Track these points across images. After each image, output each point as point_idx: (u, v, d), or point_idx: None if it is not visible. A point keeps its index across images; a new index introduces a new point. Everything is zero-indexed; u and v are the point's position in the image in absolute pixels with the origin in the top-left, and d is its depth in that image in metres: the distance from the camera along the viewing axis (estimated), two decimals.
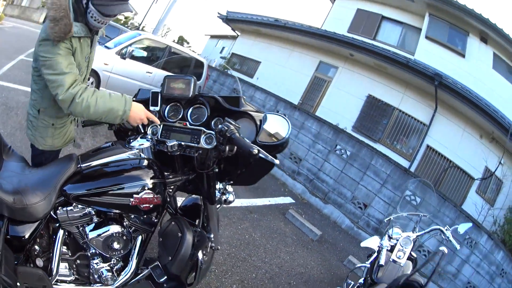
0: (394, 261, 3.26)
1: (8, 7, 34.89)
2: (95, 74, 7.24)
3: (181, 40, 32.92)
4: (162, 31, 25.24)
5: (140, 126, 2.13)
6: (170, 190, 2.15)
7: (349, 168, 7.82)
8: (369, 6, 12.72)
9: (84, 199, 1.85)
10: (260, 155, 1.64)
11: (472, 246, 7.56)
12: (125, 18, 30.23)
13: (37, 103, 2.11)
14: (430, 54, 10.81)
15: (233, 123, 1.79)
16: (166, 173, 2.08)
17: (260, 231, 5.06)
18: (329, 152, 8.12)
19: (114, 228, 1.97)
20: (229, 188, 2.41)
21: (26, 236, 1.76)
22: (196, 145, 2.02)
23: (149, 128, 2.15)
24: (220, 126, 1.76)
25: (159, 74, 8.33)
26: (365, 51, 10.42)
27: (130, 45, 7.83)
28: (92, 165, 1.92)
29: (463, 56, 10.97)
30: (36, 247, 1.88)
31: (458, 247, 3.46)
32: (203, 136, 2.03)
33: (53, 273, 1.88)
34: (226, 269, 3.67)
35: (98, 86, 7.33)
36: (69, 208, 1.88)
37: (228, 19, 16.15)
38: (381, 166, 7.55)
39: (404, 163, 9.52)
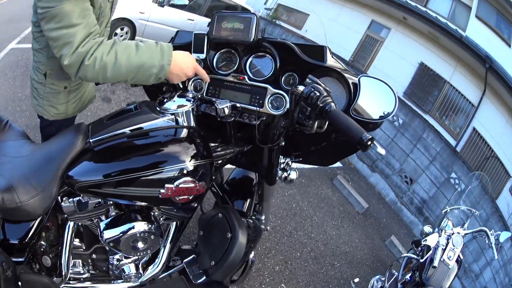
0: (443, 260, 2.92)
1: None
2: (130, 23, 6.81)
3: None
4: None
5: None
6: (217, 165, 1.65)
7: (399, 138, 7.47)
8: None
9: (93, 190, 1.37)
10: (374, 145, 1.07)
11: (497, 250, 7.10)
12: None
13: (41, 65, 1.61)
14: (479, 35, 10.01)
15: (323, 85, 1.21)
16: (212, 144, 1.58)
17: (308, 200, 4.74)
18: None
19: (139, 226, 1.48)
20: (292, 163, 1.90)
21: (27, 237, 1.40)
22: (258, 108, 1.48)
23: (190, 83, 1.61)
24: (306, 88, 1.18)
25: (202, 21, 7.62)
26: (418, 16, 9.87)
27: None
28: (105, 139, 1.39)
29: (509, 45, 10.09)
30: (42, 242, 1.50)
31: (496, 256, 3.24)
32: (268, 97, 1.47)
33: (63, 272, 1.51)
34: (270, 247, 3.34)
35: (133, 36, 6.92)
36: (76, 198, 1.43)
37: None
38: (432, 141, 7.25)
39: (451, 141, 8.96)
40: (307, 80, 1.23)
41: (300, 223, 4.09)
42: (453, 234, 3.06)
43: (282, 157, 1.78)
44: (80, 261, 1.60)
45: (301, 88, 1.20)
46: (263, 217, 2.13)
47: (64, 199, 1.42)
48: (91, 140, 1.38)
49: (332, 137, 1.46)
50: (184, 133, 1.43)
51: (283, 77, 1.51)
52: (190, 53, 1.50)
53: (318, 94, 1.14)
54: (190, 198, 1.44)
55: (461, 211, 4.15)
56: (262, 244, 3.29)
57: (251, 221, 1.70)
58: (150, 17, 7.00)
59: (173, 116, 1.43)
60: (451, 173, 6.86)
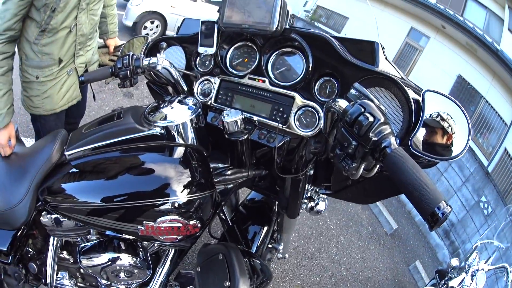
0: None
1: None
2: (161, 17, 6.70)
3: None
4: None
5: (176, 75, 1.30)
6: (227, 189, 1.33)
7: None
8: None
9: (63, 213, 1.16)
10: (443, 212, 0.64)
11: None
12: None
13: (18, 49, 1.60)
14: None
15: (377, 101, 0.80)
16: (221, 166, 1.27)
17: (336, 217, 4.47)
18: None
19: (121, 258, 1.26)
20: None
21: (11, 243, 1.26)
22: (280, 125, 1.13)
23: (197, 84, 1.33)
24: (352, 106, 0.78)
25: None
26: (457, 25, 9.63)
27: None
28: (81, 153, 1.15)
29: None
30: (29, 249, 1.36)
31: None
32: (296, 110, 1.12)
33: (48, 281, 1.37)
34: (287, 270, 3.05)
35: (164, 30, 6.86)
36: (54, 215, 1.21)
37: None
38: (467, 160, 6.96)
39: (484, 160, 8.57)
40: (352, 91, 0.84)
41: (324, 243, 3.81)
42: (478, 270, 3.11)
43: (309, 185, 1.42)
44: (67, 273, 1.45)
45: (343, 103, 0.82)
46: (280, 247, 1.83)
47: (43, 213, 1.24)
48: (66, 153, 1.17)
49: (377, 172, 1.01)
50: (178, 152, 1.13)
51: (317, 84, 1.15)
52: (197, 45, 1.25)
53: (371, 120, 0.73)
54: (179, 238, 1.14)
55: (488, 244, 4.18)
56: (280, 266, 3.01)
57: (259, 263, 1.36)
58: (182, 12, 6.88)
59: (164, 130, 1.13)
60: (482, 196, 6.56)
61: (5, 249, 1.25)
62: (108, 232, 1.22)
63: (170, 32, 6.79)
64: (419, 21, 11.31)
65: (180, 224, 1.09)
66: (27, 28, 1.54)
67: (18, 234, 1.27)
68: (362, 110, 0.75)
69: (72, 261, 1.42)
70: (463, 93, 10.00)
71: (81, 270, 1.44)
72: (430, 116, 0.88)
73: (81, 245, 1.30)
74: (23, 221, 1.19)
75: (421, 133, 0.89)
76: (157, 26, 6.64)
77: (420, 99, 0.91)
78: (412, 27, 11.58)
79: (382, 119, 0.74)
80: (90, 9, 1.65)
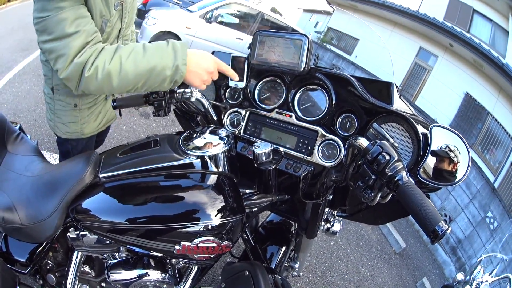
0: None
1: None
2: (176, 38, 6.56)
3: (273, 11, 31.47)
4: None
5: (207, 105, 1.36)
6: (250, 213, 1.39)
7: None
8: None
9: (99, 232, 1.21)
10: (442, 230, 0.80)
11: None
12: None
13: (48, 79, 1.50)
14: None
15: (392, 140, 1.00)
16: (247, 191, 1.35)
17: (347, 238, 4.54)
18: None
19: (151, 274, 1.32)
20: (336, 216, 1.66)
21: (31, 256, 1.30)
22: (304, 156, 1.25)
23: (226, 116, 1.41)
24: (372, 146, 0.93)
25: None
26: (464, 42, 9.60)
27: (216, 8, 7.11)
28: (117, 176, 1.22)
29: None
30: (49, 261, 1.38)
31: None
32: (319, 143, 1.24)
33: None
34: (300, 287, 3.11)
35: None
36: (83, 232, 1.27)
37: None
38: (474, 178, 6.99)
39: (490, 176, 8.47)
40: (371, 130, 1.02)
41: (335, 263, 3.87)
42: (482, 282, 3.10)
43: (327, 208, 1.52)
44: (87, 286, 1.46)
45: (363, 142, 0.97)
46: (297, 265, 1.91)
47: (70, 229, 1.27)
48: (100, 175, 1.22)
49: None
50: (211, 180, 1.19)
51: (339, 119, 1.26)
52: (228, 78, 1.31)
53: (387, 158, 0.89)
54: (211, 256, 1.22)
55: (494, 258, 4.28)
56: (293, 284, 3.06)
57: (281, 279, 1.41)
58: (197, 33, 6.91)
59: (199, 159, 1.20)
60: (488, 211, 6.60)
61: (24, 260, 1.28)
62: (138, 249, 1.24)
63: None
64: (427, 41, 11.34)
65: (214, 244, 1.17)
66: None
67: (39, 247, 1.30)
68: (381, 150, 0.90)
69: (94, 274, 1.45)
70: (470, 110, 9.93)
71: (103, 284, 1.47)
72: (440, 147, 1.00)
73: (110, 261, 1.35)
74: (48, 235, 1.22)
75: (430, 162, 1.01)
76: None
77: (428, 133, 1.03)
78: (421, 46, 11.58)
79: (396, 157, 0.88)
80: (124, 35, 1.59)
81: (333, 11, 16.07)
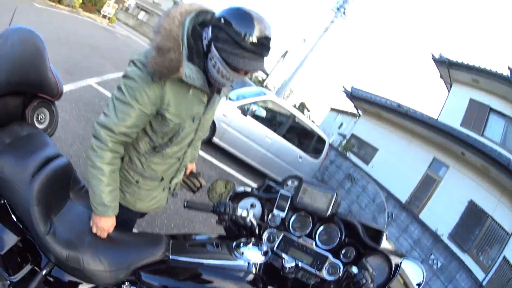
0: None
1: (122, 13, 37.30)
2: (212, 124, 7.10)
3: (302, 106, 29.85)
4: (285, 93, 24.93)
5: (255, 225, 1.85)
6: None
7: (435, 281, 7.58)
8: (480, 96, 12.24)
9: None
10: None
11: None
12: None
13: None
14: None
15: (371, 271, 1.61)
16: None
17: None
18: (422, 261, 7.83)
19: None
20: None
21: None
22: (316, 272, 1.79)
23: (266, 234, 1.94)
24: (359, 273, 1.54)
25: (278, 142, 7.85)
26: (475, 150, 9.77)
27: (253, 103, 7.46)
28: (183, 260, 1.64)
29: None
30: None
31: None
32: (327, 264, 1.77)
33: None
34: None
35: (212, 135, 7.28)
36: None
37: (352, 95, 16.04)
38: (463, 281, 7.25)
39: (480, 274, 8.60)
40: (363, 261, 1.68)
41: None
42: None
43: None
44: None
45: (355, 270, 1.56)
46: None
47: (127, 283, 1.59)
48: (170, 257, 1.62)
49: None
50: (251, 278, 1.67)
51: (344, 249, 1.82)
52: (273, 207, 1.92)
53: (365, 281, 1.48)
54: None
55: None
56: None
57: None
58: (232, 123, 7.22)
59: (246, 263, 1.69)
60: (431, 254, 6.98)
61: None
62: None
63: (217, 139, 7.17)
64: (441, 150, 11.50)
65: None
66: (138, 140, 1.63)
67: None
68: (362, 276, 1.51)
69: None
70: (472, 217, 10.03)
71: None
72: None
73: None
74: (109, 284, 1.49)
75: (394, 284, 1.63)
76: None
77: (399, 262, 1.64)
78: (435, 157, 11.72)
79: (370, 281, 1.49)
80: (194, 144, 1.85)
81: (358, 117, 16.77)
